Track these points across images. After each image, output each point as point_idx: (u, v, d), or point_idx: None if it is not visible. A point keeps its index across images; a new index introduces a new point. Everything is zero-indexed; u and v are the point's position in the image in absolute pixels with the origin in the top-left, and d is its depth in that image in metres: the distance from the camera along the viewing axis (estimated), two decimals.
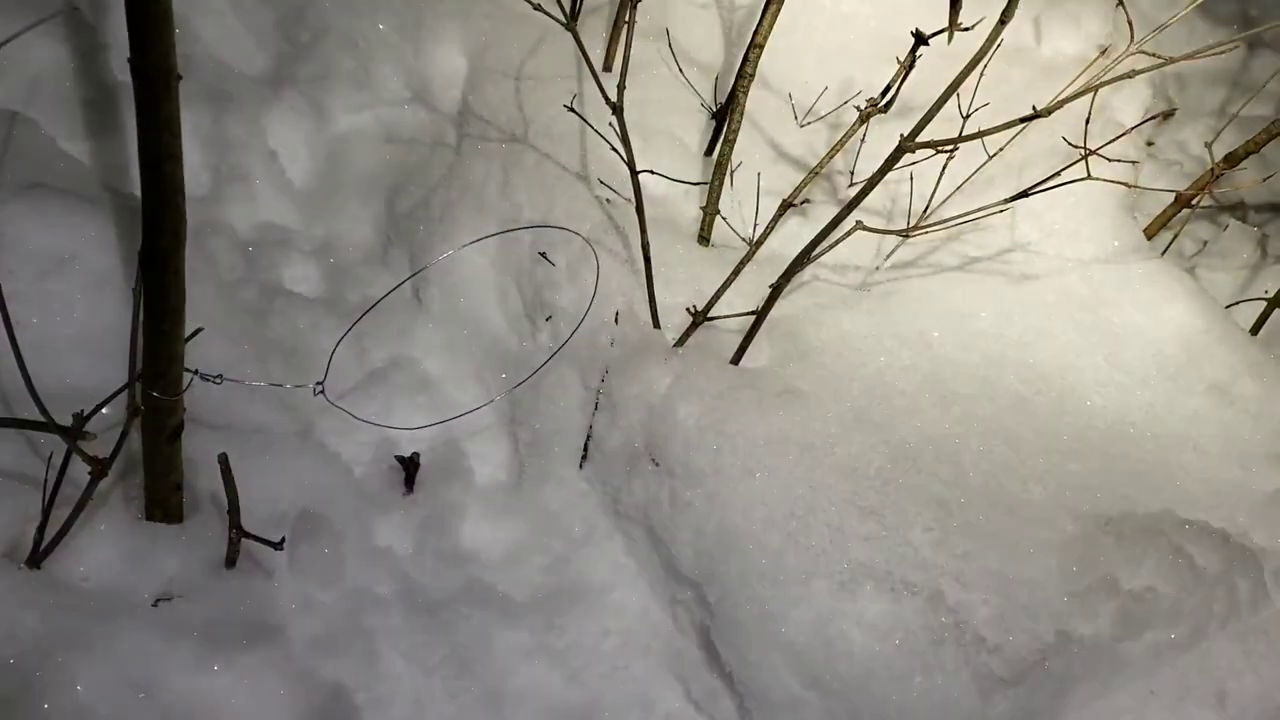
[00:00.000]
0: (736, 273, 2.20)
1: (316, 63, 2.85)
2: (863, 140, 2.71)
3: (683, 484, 2.13)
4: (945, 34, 1.71)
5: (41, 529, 1.77)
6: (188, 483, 1.99)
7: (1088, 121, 2.28)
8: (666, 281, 2.32)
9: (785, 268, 2.09)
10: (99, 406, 1.73)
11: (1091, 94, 1.85)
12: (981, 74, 2.19)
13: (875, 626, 1.93)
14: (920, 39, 1.74)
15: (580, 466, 2.41)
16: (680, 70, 2.70)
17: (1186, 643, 1.94)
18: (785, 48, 2.89)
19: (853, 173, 2.71)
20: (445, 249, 2.56)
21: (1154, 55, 1.73)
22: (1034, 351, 2.39)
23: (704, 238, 2.49)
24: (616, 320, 2.33)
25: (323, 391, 1.98)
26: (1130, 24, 2.08)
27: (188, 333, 1.71)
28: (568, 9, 2.10)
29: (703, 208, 2.46)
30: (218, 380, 1.81)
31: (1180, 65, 3.63)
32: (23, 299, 2.09)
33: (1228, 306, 2.72)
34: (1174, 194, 2.76)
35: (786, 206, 2.11)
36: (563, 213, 2.48)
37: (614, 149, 2.15)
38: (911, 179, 2.53)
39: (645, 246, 2.19)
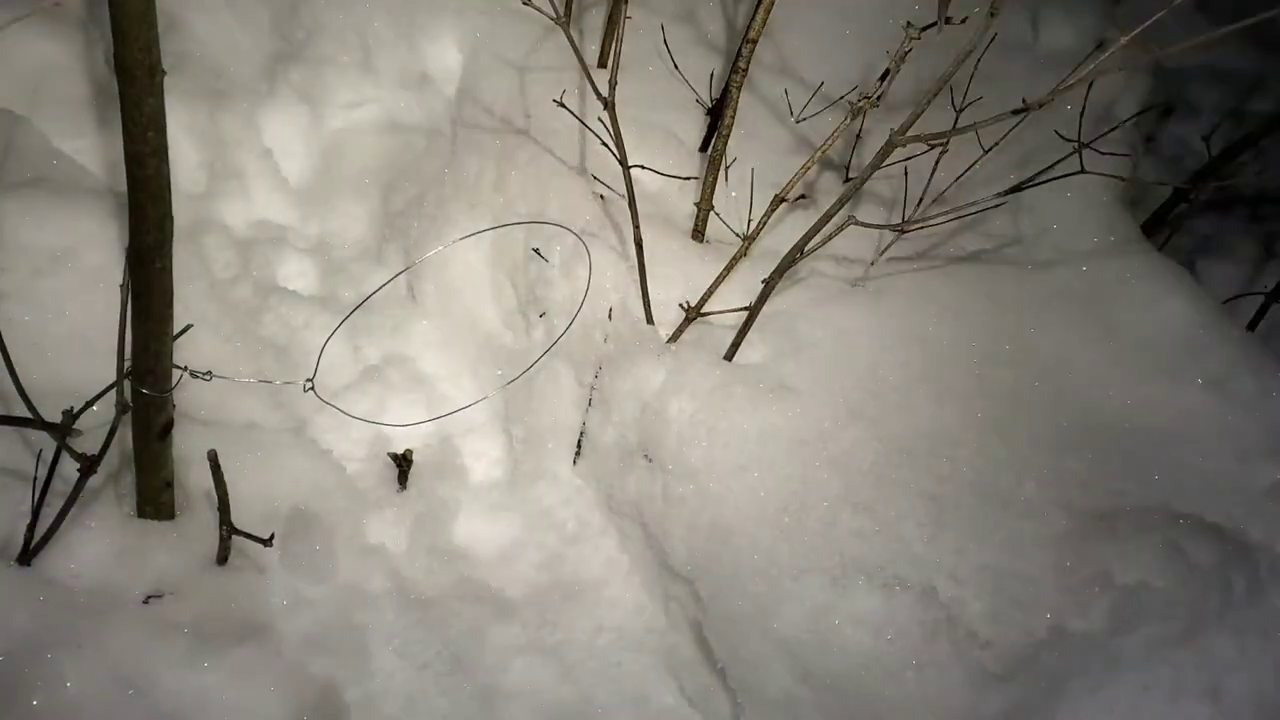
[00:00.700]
0: (730, 268, 2.19)
1: (311, 60, 2.84)
2: (858, 135, 2.70)
3: (676, 480, 2.13)
4: (935, 27, 1.71)
5: (32, 526, 1.77)
6: (179, 480, 1.99)
7: (1082, 115, 2.27)
8: (660, 277, 2.31)
9: (779, 263, 2.09)
10: (89, 404, 1.72)
11: (1086, 88, 1.84)
12: (975, 68, 2.18)
13: (868, 622, 1.93)
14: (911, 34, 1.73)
15: (574, 463, 2.40)
16: (675, 66, 2.69)
17: (1181, 638, 1.93)
18: (782, 42, 2.88)
19: (848, 168, 2.70)
20: (439, 245, 2.56)
21: (1147, 48, 1.72)
22: (1029, 346, 2.38)
23: (698, 233, 2.49)
24: (610, 316, 2.33)
25: (313, 388, 1.97)
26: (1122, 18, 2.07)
27: (177, 329, 1.71)
28: (560, 5, 2.09)
29: (697, 203, 2.46)
30: (207, 377, 1.81)
31: (1180, 61, 3.62)
32: (16, 296, 2.09)
33: (1225, 301, 2.71)
34: (1171, 188, 2.75)
35: (779, 201, 2.11)
36: (557, 209, 2.47)
37: (605, 144, 2.15)
38: (906, 174, 2.52)
39: (639, 242, 2.19)
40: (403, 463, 2.40)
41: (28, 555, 1.78)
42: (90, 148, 2.43)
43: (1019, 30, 3.05)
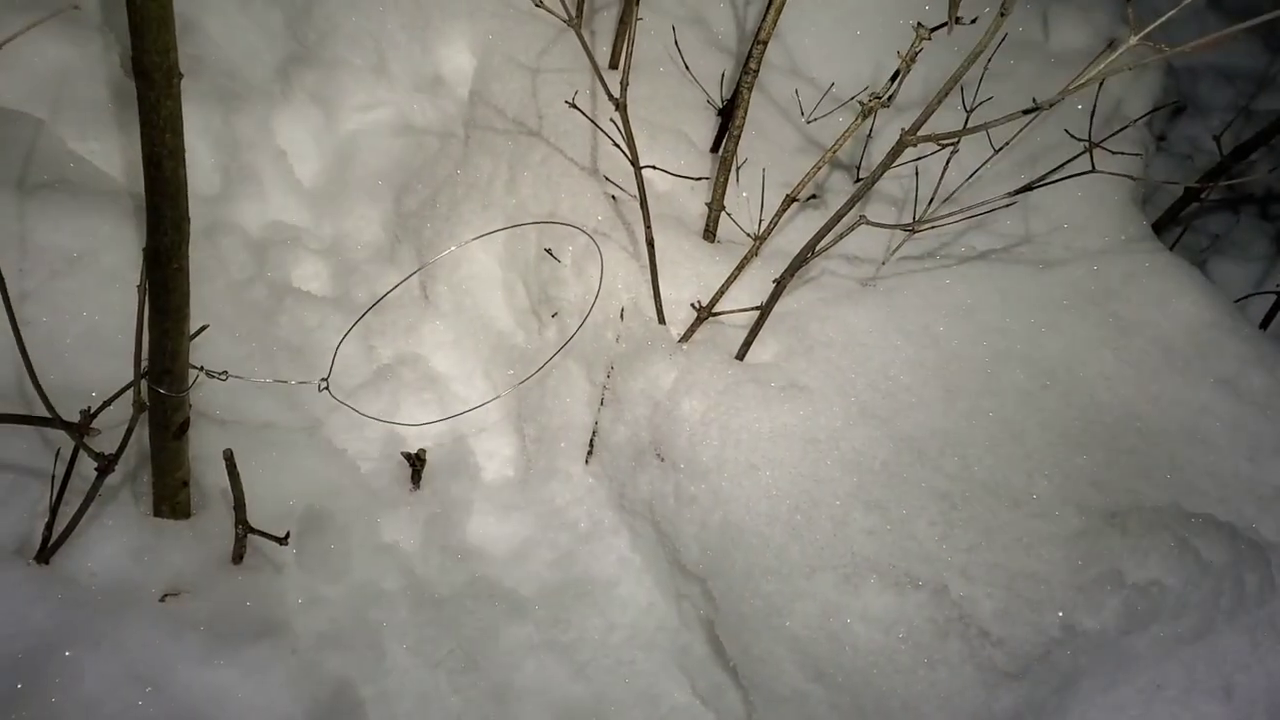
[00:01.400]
0: (741, 268, 2.20)
1: (325, 62, 2.86)
2: (869, 135, 2.71)
3: (687, 479, 2.13)
4: (945, 28, 1.71)
5: (50, 524, 1.79)
6: (195, 479, 2.00)
7: (1093, 114, 2.27)
8: (672, 277, 2.32)
9: (790, 262, 2.09)
10: (106, 403, 1.74)
11: (1097, 86, 1.84)
12: (986, 67, 2.19)
13: (879, 620, 1.93)
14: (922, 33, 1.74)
15: (586, 462, 2.41)
16: (686, 67, 2.70)
17: (1193, 636, 1.94)
18: (792, 44, 2.89)
19: (858, 168, 2.71)
20: (452, 246, 2.58)
21: (1157, 46, 1.72)
22: (1040, 345, 2.38)
23: (710, 233, 2.50)
24: (622, 316, 2.34)
25: (327, 388, 1.99)
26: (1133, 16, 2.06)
27: (193, 330, 1.72)
28: (571, 7, 2.10)
29: (708, 204, 2.46)
30: (223, 377, 1.83)
31: (1193, 61, 3.62)
32: (34, 297, 2.11)
33: (1237, 300, 2.70)
34: (1182, 187, 2.75)
35: (790, 201, 2.11)
36: (569, 209, 2.48)
37: (616, 145, 2.16)
38: (917, 174, 2.53)
39: (650, 242, 2.20)
40: (416, 462, 2.41)
41: (46, 553, 1.80)
42: (107, 150, 2.45)
43: (1029, 29, 3.05)
